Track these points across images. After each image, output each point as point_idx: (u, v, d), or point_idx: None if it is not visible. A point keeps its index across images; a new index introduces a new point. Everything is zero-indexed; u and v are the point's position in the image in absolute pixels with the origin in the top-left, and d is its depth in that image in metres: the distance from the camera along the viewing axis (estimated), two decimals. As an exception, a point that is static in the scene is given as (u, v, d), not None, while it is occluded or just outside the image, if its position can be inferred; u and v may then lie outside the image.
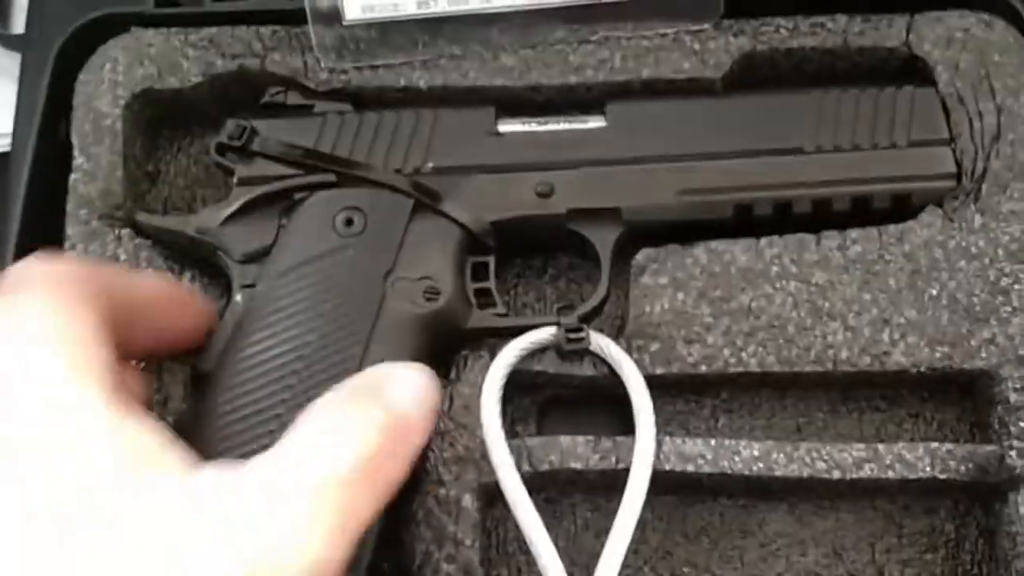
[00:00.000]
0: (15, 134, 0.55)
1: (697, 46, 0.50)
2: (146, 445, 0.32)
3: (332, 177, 0.46)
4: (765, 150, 0.48)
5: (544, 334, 0.46)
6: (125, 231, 0.48)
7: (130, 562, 0.29)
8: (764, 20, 0.50)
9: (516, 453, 0.45)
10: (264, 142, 0.47)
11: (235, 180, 0.47)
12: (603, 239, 0.47)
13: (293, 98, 0.49)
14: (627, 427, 0.46)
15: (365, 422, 0.34)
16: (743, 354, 0.46)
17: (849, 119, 0.48)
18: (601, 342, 0.46)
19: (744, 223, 0.48)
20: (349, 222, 0.46)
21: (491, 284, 0.47)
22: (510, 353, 0.45)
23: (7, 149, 0.56)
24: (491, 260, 0.47)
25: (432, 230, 0.46)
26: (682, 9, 0.50)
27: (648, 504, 0.43)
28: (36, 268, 0.35)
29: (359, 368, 0.42)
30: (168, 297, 0.41)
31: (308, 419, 0.34)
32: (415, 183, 0.47)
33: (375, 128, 0.48)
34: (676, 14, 0.50)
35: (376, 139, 0.48)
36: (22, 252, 0.47)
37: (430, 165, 0.47)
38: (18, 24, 0.62)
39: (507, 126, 0.49)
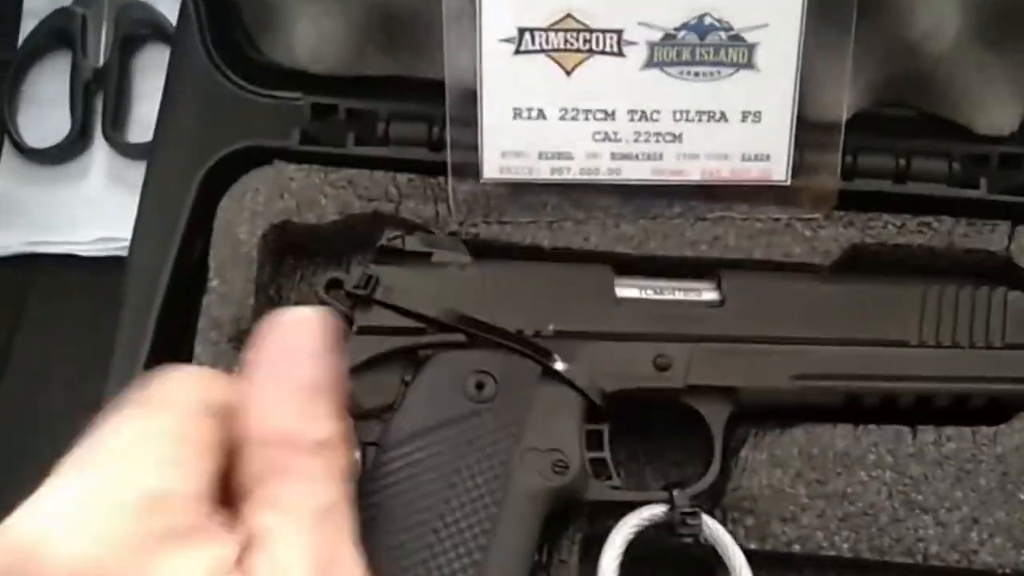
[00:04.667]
0: (134, 243, 0.55)
1: (808, 233, 0.52)
2: None
3: (461, 337, 0.46)
4: (874, 340, 0.49)
5: (658, 513, 0.46)
6: (249, 354, 0.50)
7: None
8: (873, 215, 0.53)
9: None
10: (388, 292, 0.46)
11: (354, 329, 0.46)
12: (716, 416, 0.48)
13: (411, 244, 0.49)
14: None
15: None
16: (836, 538, 0.48)
17: (950, 315, 0.50)
18: (713, 529, 0.47)
19: (849, 411, 0.49)
20: (480, 386, 0.45)
21: (607, 455, 0.47)
22: (627, 529, 0.46)
23: (121, 254, 0.58)
24: (606, 429, 0.47)
25: (557, 398, 0.46)
26: (798, 198, 0.52)
27: None
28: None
29: (487, 543, 0.42)
30: None
31: None
32: (543, 348, 0.47)
33: (496, 283, 0.48)
34: (791, 201, 0.52)
35: (498, 296, 0.47)
36: (151, 365, 0.50)
37: (552, 328, 0.47)
38: (134, 133, 0.65)
39: (625, 291, 0.49)
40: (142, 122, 0.65)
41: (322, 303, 0.46)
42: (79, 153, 0.66)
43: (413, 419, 0.44)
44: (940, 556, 0.47)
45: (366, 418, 0.44)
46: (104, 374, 0.51)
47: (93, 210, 0.64)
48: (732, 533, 0.47)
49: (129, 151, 0.65)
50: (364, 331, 0.46)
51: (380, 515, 0.42)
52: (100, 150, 0.65)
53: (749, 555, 0.47)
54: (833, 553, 0.48)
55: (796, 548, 0.48)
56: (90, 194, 0.65)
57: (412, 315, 0.46)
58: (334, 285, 0.47)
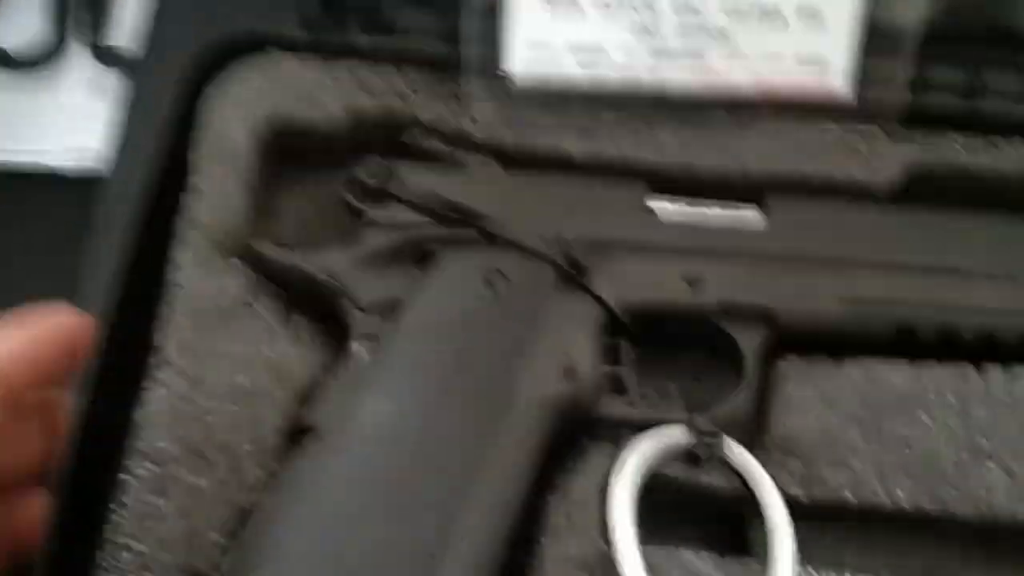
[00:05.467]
0: (119, 155, 0.51)
1: (864, 148, 0.47)
2: None
3: (475, 234, 0.43)
4: (935, 268, 0.45)
5: (676, 434, 0.42)
6: (235, 261, 0.45)
7: None
8: (938, 134, 0.48)
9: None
10: (404, 186, 0.44)
11: (363, 221, 0.44)
12: (750, 340, 0.44)
13: (434, 144, 0.46)
14: (736, 546, 0.43)
15: None
16: (892, 486, 0.43)
17: (1021, 248, 0.45)
18: (737, 453, 0.42)
19: (902, 345, 0.45)
20: (490, 285, 0.43)
21: (624, 371, 0.44)
22: (641, 452, 0.42)
23: (96, 167, 0.54)
24: (627, 344, 0.44)
25: (573, 306, 0.43)
26: (857, 111, 0.47)
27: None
28: None
29: (488, 442, 0.40)
30: None
31: None
32: (564, 253, 0.44)
33: (522, 188, 0.45)
34: (850, 115, 0.47)
35: (522, 200, 0.45)
36: (127, 275, 0.45)
37: (576, 235, 0.44)
38: (114, 38, 0.61)
39: (658, 204, 0.46)
40: (122, 27, 0.60)
41: (345, 204, 0.45)
42: (54, 58, 0.61)
43: (419, 314, 0.42)
44: (1009, 509, 0.42)
45: (371, 312, 0.42)
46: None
47: (67, 118, 0.59)
48: (774, 478, 0.42)
49: (107, 58, 0.60)
50: (375, 224, 0.44)
51: (380, 408, 0.39)
52: (76, 55, 0.61)
53: (792, 503, 0.42)
54: (888, 503, 0.42)
55: (847, 496, 0.43)
56: (64, 101, 0.60)
57: (426, 211, 0.44)
58: (353, 184, 0.45)
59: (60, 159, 0.58)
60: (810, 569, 0.42)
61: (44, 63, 0.61)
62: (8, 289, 0.57)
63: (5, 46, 0.60)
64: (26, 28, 0.61)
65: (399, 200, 0.44)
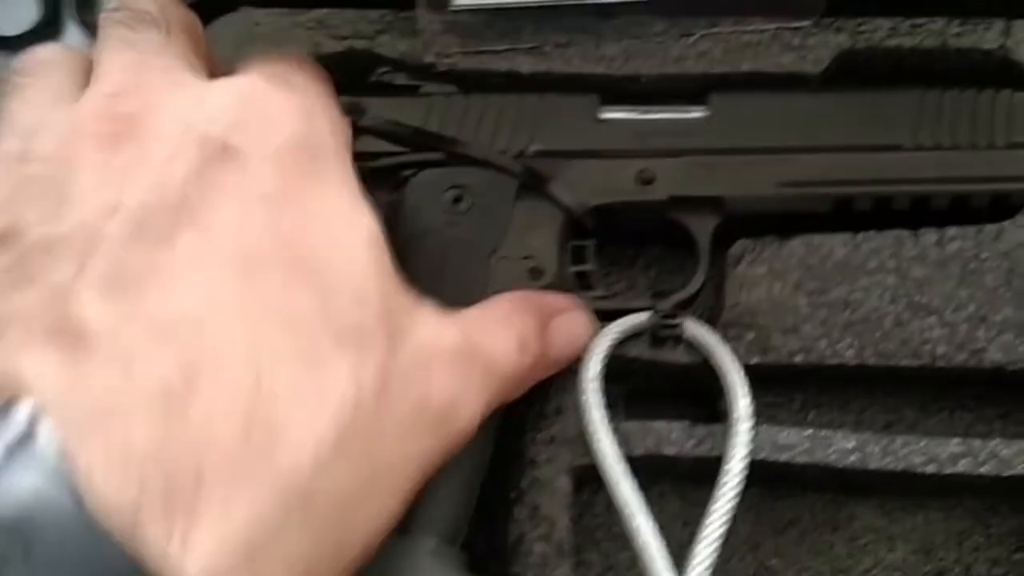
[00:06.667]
0: None
1: (796, 42, 0.50)
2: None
3: (440, 156, 0.47)
4: (866, 145, 0.48)
5: (640, 319, 0.47)
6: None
7: None
8: (864, 19, 0.51)
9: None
10: (373, 119, 0.47)
11: None
12: (702, 227, 0.48)
13: (400, 79, 0.50)
14: (714, 419, 0.47)
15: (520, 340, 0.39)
16: (839, 346, 0.47)
17: (948, 118, 0.48)
18: (696, 329, 0.47)
19: (842, 218, 0.48)
20: (457, 200, 0.46)
21: (590, 267, 0.48)
22: (609, 335, 0.46)
23: None
24: (591, 244, 0.48)
25: (536, 211, 0.47)
26: (783, 6, 0.50)
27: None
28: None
29: None
30: None
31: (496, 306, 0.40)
32: (521, 164, 0.47)
33: (481, 110, 0.49)
34: (777, 11, 0.50)
35: (482, 121, 0.48)
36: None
37: (534, 148, 0.48)
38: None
39: (610, 114, 0.49)
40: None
41: None
42: (49, 39, 0.63)
43: (393, 234, 0.43)
44: (948, 356, 0.46)
45: None
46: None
47: None
48: (733, 350, 0.46)
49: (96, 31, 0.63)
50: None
51: None
52: (72, 35, 0.63)
53: (750, 370, 0.46)
54: (837, 361, 0.47)
55: (799, 359, 0.47)
56: None
57: (396, 140, 0.47)
58: None
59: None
60: (773, 429, 0.46)
61: (41, 42, 0.64)
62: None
63: (4, 31, 0.62)
64: (23, 12, 0.63)
65: (371, 132, 0.47)
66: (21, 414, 0.29)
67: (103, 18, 0.40)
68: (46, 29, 0.63)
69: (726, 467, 0.43)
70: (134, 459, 0.29)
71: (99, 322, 0.30)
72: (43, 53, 0.40)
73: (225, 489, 0.29)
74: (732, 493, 0.42)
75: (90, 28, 0.62)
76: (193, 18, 0.42)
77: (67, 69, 0.39)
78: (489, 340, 0.38)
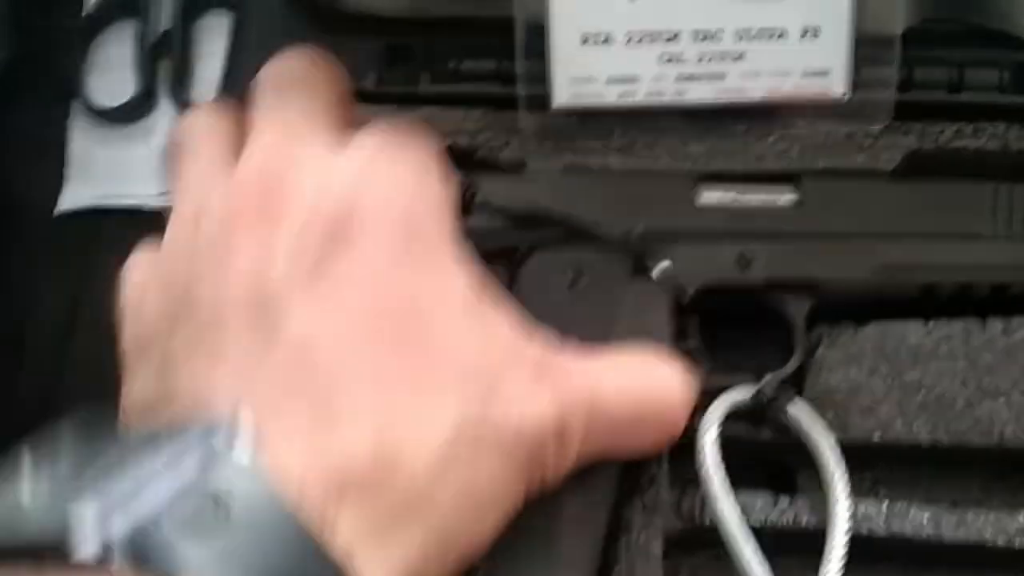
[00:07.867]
0: None
1: (868, 143, 0.55)
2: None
3: (558, 235, 0.49)
4: (950, 233, 0.52)
5: (745, 394, 0.49)
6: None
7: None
8: (929, 123, 0.55)
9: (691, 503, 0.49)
10: (486, 197, 0.50)
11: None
12: (797, 310, 0.51)
13: (506, 155, 0.53)
14: (781, 489, 0.50)
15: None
16: (914, 425, 0.50)
17: (1021, 209, 0.52)
18: (800, 409, 0.50)
19: (923, 304, 0.52)
20: (575, 282, 0.49)
21: (697, 344, 0.50)
22: (721, 406, 0.49)
23: None
24: (695, 322, 0.50)
25: (646, 294, 0.49)
26: (857, 111, 0.54)
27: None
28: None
29: None
30: None
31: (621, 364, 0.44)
32: (633, 246, 0.50)
33: (586, 190, 0.52)
34: (851, 115, 0.54)
35: (592, 202, 0.51)
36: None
37: (640, 229, 0.50)
38: (198, 93, 0.67)
39: (707, 195, 0.52)
40: (206, 82, 0.68)
41: None
42: (145, 113, 0.68)
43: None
44: (1016, 435, 0.50)
45: None
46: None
47: (159, 166, 0.64)
48: (817, 427, 0.49)
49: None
50: (464, 235, 0.48)
51: None
52: (165, 110, 0.68)
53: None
54: (911, 440, 0.50)
55: (876, 437, 0.50)
56: (156, 151, 0.67)
57: (511, 217, 0.50)
58: None
59: (155, 201, 0.65)
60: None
61: (137, 118, 0.68)
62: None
63: (102, 103, 0.67)
64: (121, 85, 0.68)
65: (484, 210, 0.49)
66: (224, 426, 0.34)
67: (261, 78, 0.46)
68: (142, 103, 0.67)
69: (831, 538, 0.46)
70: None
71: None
72: (208, 116, 0.45)
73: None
74: (836, 565, 0.45)
75: (180, 106, 0.67)
76: (337, 73, 0.47)
77: (228, 133, 0.44)
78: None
